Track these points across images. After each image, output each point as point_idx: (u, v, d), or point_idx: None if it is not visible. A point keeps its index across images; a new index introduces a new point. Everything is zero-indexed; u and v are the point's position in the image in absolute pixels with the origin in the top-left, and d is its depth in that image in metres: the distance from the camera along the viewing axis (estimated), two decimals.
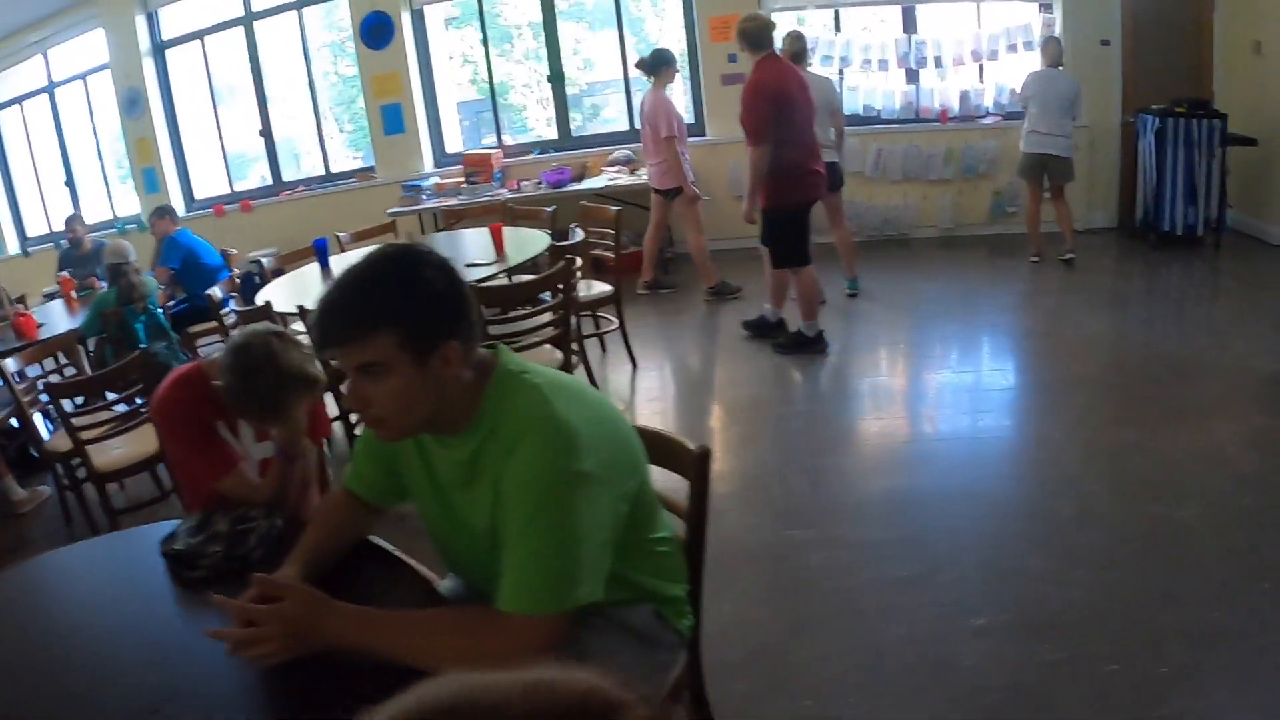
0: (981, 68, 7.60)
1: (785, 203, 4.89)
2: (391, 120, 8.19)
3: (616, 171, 7.67)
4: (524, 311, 4.18)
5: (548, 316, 4.16)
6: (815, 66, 7.58)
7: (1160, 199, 6.98)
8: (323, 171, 8.69)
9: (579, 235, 5.02)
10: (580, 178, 7.76)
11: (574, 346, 4.64)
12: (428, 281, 1.46)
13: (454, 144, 8.58)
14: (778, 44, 5.20)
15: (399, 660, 1.41)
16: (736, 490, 3.94)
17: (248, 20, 8.34)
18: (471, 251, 4.95)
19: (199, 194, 8.86)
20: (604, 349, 5.69)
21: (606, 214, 5.34)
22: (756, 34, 4.83)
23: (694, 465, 1.88)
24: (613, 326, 5.37)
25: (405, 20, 8.02)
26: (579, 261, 4.46)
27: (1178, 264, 6.88)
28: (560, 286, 4.06)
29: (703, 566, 1.92)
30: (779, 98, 4.69)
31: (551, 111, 8.38)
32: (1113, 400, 4.70)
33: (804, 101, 4.87)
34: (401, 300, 1.45)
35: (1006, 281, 6.69)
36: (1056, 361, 5.32)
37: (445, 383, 1.49)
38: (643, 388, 5.33)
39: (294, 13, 8.27)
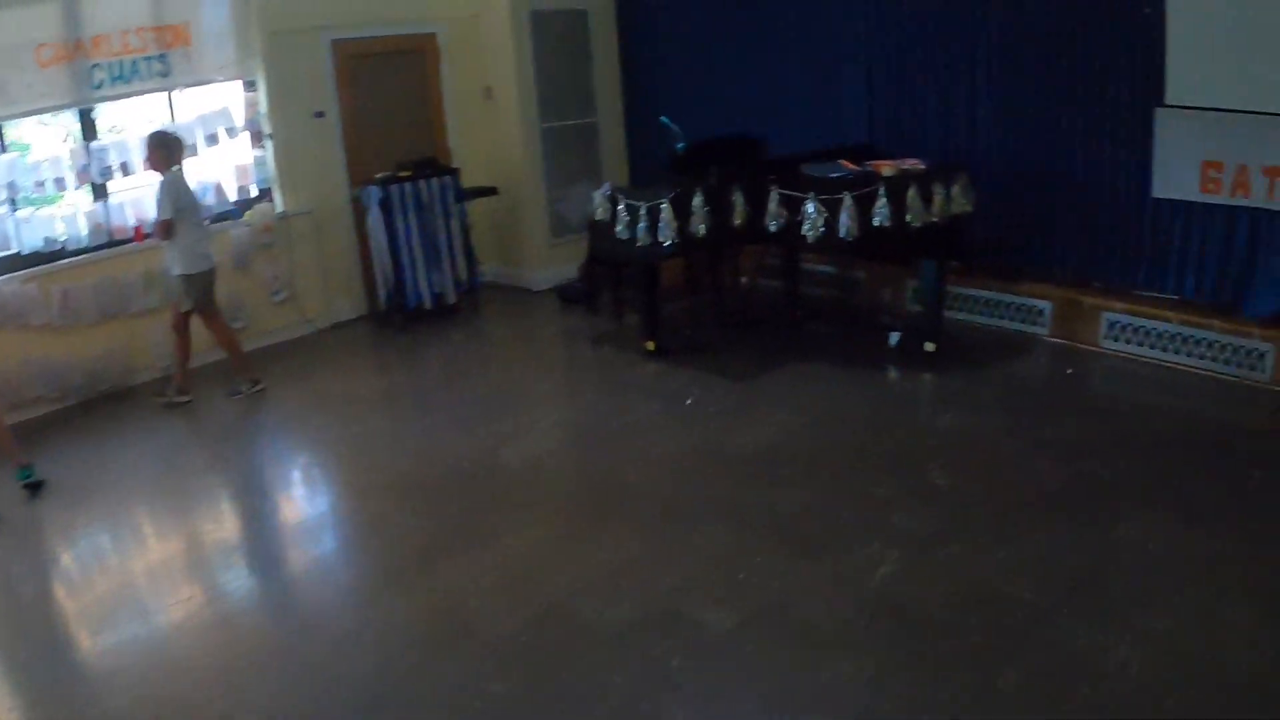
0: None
1: None
2: None
3: None
4: None
5: None
6: None
7: (401, 274, 6.69)
8: None
9: None
10: None
11: None
12: None
13: None
14: None
15: None
16: None
17: None
18: None
19: None
20: None
21: None
22: None
23: None
24: None
25: None
26: None
27: (433, 342, 6.56)
28: None
29: None
30: None
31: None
32: (329, 588, 3.79)
33: None
34: None
35: (207, 420, 5.67)
36: (256, 544, 4.30)
37: None
38: None
39: None
